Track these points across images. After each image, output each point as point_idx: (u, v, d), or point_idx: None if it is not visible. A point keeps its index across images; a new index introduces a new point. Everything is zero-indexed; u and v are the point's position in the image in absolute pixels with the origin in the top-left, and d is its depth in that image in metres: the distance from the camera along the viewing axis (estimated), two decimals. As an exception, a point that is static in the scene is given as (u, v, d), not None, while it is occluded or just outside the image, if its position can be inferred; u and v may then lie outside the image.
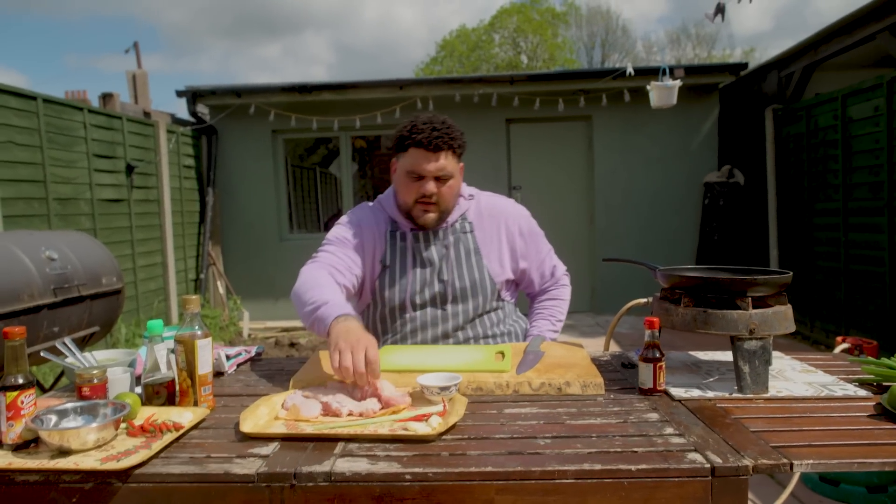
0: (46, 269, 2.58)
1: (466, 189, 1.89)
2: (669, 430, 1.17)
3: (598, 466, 1.01)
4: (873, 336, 4.18)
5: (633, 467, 1.00)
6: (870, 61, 5.75)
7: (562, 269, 2.00)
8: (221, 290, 6.39)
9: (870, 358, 1.48)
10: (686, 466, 1.00)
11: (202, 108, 6.57)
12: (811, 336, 5.24)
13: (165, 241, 5.54)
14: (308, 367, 1.59)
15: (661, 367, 1.39)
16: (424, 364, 1.56)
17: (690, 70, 6.17)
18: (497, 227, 1.87)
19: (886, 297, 4.23)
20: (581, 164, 6.87)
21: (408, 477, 1.01)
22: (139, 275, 5.09)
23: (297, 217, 7.54)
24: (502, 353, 1.67)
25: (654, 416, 1.26)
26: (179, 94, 6.23)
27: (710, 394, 1.37)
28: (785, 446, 1.07)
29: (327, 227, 7.87)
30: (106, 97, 5.01)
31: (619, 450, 1.08)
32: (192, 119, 6.47)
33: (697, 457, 1.04)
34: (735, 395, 1.36)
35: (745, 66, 6.31)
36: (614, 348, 5.08)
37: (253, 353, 1.82)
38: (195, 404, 1.35)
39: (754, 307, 1.38)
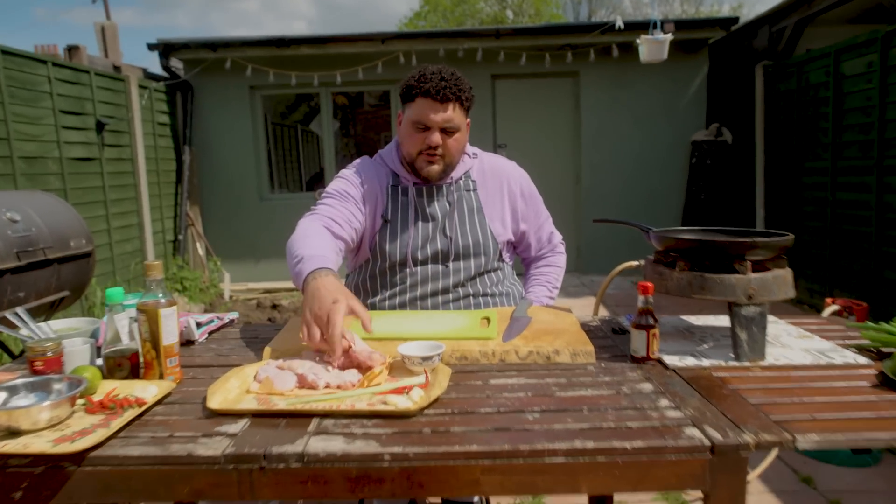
0: (8, 232, 2.45)
1: (470, 148, 1.85)
2: (664, 403, 1.11)
3: (590, 444, 0.94)
4: (858, 296, 4.19)
5: (627, 445, 0.94)
6: (860, 14, 5.63)
7: (558, 237, 1.99)
8: (201, 251, 6.25)
9: (869, 323, 1.42)
10: (684, 444, 0.94)
11: (176, 63, 6.30)
12: (795, 296, 5.26)
13: (141, 201, 5.36)
14: (283, 335, 1.50)
15: (654, 335, 1.32)
16: (406, 332, 1.48)
17: (680, 24, 6.01)
18: (500, 187, 1.85)
19: (872, 258, 4.22)
20: (568, 121, 6.73)
21: (387, 457, 0.94)
22: (114, 236, 4.93)
23: (278, 176, 7.36)
24: (487, 319, 1.60)
25: (647, 386, 1.20)
26: (151, 47, 5.95)
27: (706, 362, 1.31)
28: (786, 420, 1.01)
29: (309, 187, 7.71)
30: (72, 50, 4.73)
31: (612, 425, 1.01)
32: (165, 74, 6.21)
33: (695, 432, 0.97)
34: (731, 363, 1.30)
35: (735, 20, 6.15)
36: (602, 311, 5.07)
37: (226, 320, 1.73)
38: (160, 377, 1.26)
39: (753, 271, 1.31)
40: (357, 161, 1.86)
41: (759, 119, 5.67)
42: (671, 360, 1.33)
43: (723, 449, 0.94)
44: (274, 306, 5.37)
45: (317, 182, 7.22)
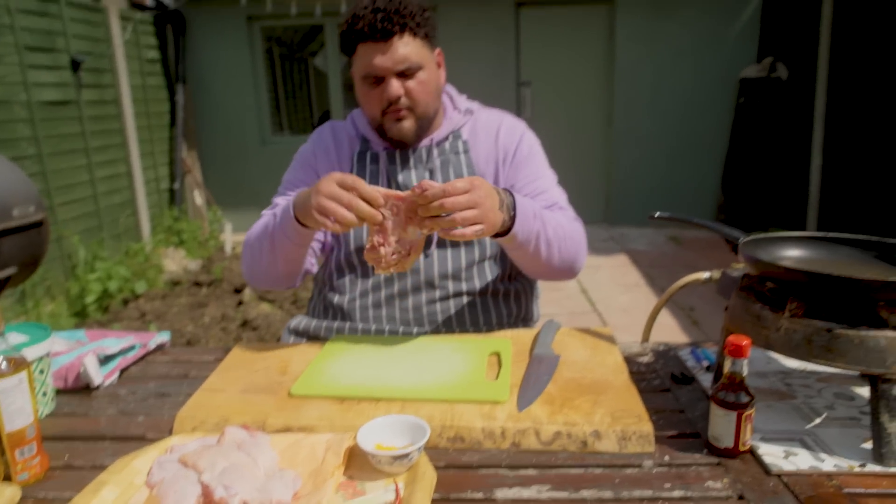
0: (-76, 204, 2.03)
1: (465, 102, 1.42)
2: (782, 574, 0.66)
3: None
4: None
5: None
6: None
7: (567, 210, 1.36)
8: (199, 200, 5.83)
9: None
10: None
11: (166, -9, 5.70)
12: None
13: (129, 147, 4.91)
14: (204, 394, 1.07)
15: (748, 418, 0.87)
16: (377, 384, 1.05)
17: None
18: (493, 144, 1.39)
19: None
20: (600, 55, 6.03)
21: None
22: (99, 188, 4.52)
23: (287, 115, 6.83)
24: (498, 356, 1.16)
25: (744, 520, 0.75)
26: (135, -28, 5.35)
27: (828, 462, 0.86)
28: None
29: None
30: (39, -24, 4.18)
31: None
32: (152, 5, 5.62)
33: None
34: (871, 466, 0.85)
35: (800, -66, 5.32)
36: (632, 272, 4.59)
37: (151, 347, 1.31)
38: (7, 478, 0.85)
39: (912, 325, 0.84)
40: (317, 131, 1.48)
41: (824, 49, 4.94)
42: (771, 453, 0.87)
43: None
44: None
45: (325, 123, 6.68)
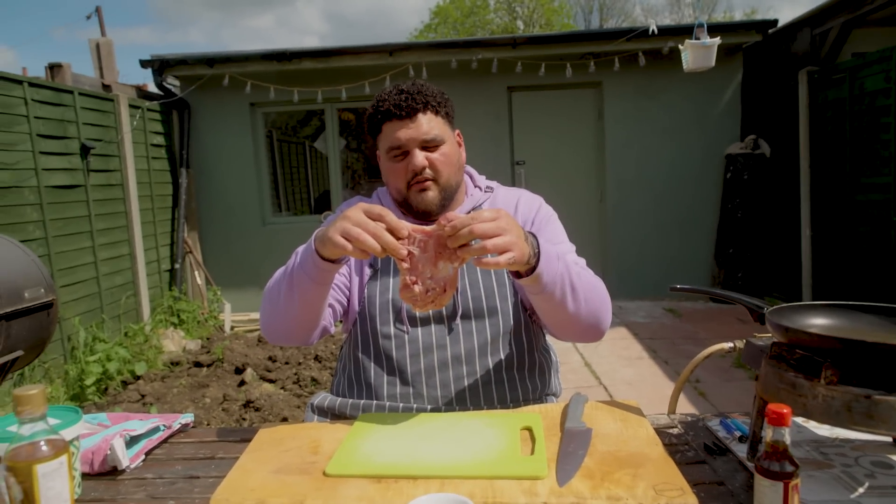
0: (-62, 288, 2.03)
1: (485, 181, 1.51)
2: None
3: None
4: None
5: None
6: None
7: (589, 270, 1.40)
8: (200, 280, 5.85)
9: None
10: None
11: (173, 81, 5.94)
12: None
13: (132, 228, 4.98)
14: (237, 476, 1.05)
15: (795, 488, 0.86)
16: (413, 461, 1.04)
17: (712, 29, 5.54)
18: (513, 216, 1.42)
19: (948, 287, 3.71)
20: (590, 135, 6.28)
21: None
22: (102, 269, 4.54)
23: (285, 197, 6.98)
24: (530, 431, 1.15)
25: None
26: (144, 63, 5.58)
27: (878, 533, 0.85)
28: None
29: (318, 209, 7.31)
30: (54, 68, 4.37)
31: None
32: (160, 93, 5.85)
33: None
34: (922, 537, 0.84)
35: (773, 23, 5.68)
36: (634, 345, 4.59)
37: (175, 427, 1.29)
38: (41, 567, 0.83)
39: (949, 390, 0.85)
40: (345, 203, 1.50)
41: (804, 130, 5.18)
42: (821, 526, 0.87)
43: None
44: (276, 341, 4.96)
45: (325, 204, 6.82)
